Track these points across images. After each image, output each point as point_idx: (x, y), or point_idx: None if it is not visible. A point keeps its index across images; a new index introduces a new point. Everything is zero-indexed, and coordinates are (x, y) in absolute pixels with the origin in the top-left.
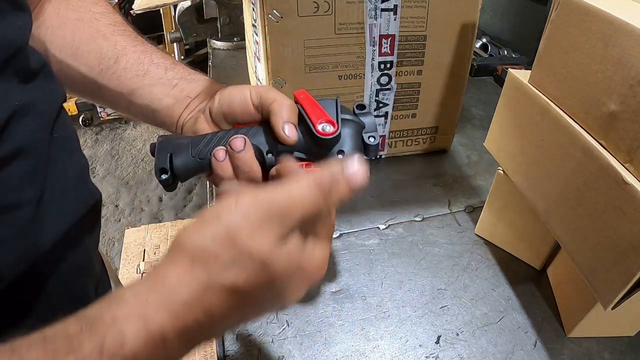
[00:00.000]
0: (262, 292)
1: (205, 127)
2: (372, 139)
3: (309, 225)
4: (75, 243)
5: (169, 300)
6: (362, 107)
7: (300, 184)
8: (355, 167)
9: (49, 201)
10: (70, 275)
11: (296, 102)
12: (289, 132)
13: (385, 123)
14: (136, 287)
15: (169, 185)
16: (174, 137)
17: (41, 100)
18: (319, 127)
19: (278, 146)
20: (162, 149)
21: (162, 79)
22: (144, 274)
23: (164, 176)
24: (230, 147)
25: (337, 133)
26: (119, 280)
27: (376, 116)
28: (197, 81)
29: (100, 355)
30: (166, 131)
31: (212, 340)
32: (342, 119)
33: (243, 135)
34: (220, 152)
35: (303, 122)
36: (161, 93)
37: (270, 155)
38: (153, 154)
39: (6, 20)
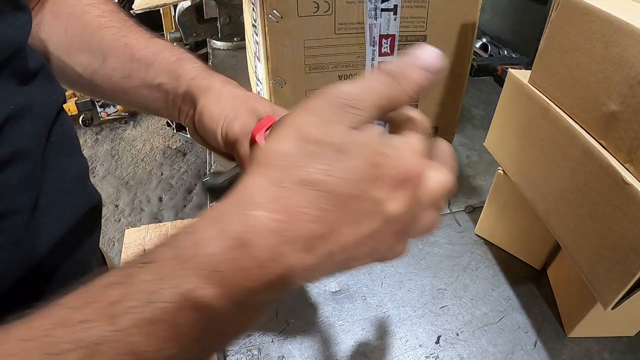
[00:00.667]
0: (345, 189)
1: (198, 139)
2: None
3: (395, 120)
4: (72, 248)
5: (244, 203)
6: None
7: (368, 76)
8: (424, 50)
9: (44, 207)
10: (68, 278)
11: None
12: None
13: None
14: (216, 204)
15: None
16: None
17: (39, 103)
18: (258, 136)
19: None
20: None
21: (145, 80)
22: None
23: None
24: None
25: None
26: None
27: None
28: (179, 78)
29: (177, 260)
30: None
31: (311, 270)
32: None
33: None
34: None
35: None
36: (149, 96)
37: None
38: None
39: (6, 20)
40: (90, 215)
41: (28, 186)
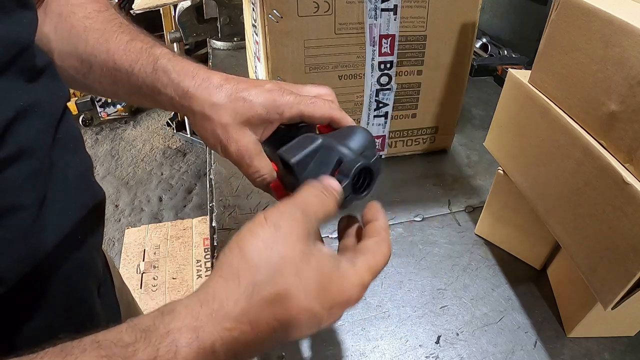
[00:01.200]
0: (300, 309)
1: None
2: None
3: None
4: (77, 243)
5: (218, 314)
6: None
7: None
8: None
9: (51, 203)
10: (73, 274)
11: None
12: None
13: (385, 123)
14: (188, 301)
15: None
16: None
17: (46, 101)
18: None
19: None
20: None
21: (129, 88)
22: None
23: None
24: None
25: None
26: (122, 279)
27: (376, 116)
28: (155, 87)
29: None
30: None
31: (256, 355)
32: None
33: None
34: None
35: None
36: (138, 101)
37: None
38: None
39: (12, 18)
40: (94, 212)
41: (35, 182)
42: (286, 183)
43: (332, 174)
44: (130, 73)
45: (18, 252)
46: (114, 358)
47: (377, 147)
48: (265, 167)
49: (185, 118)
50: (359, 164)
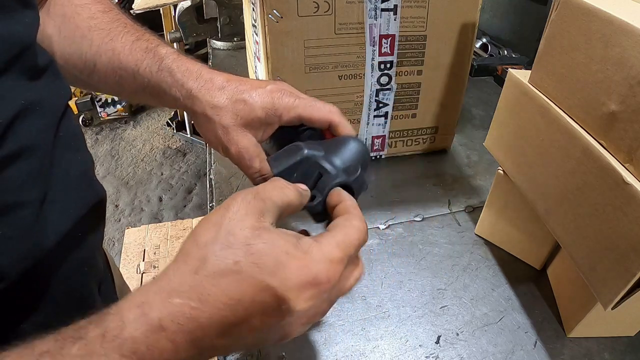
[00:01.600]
0: (254, 282)
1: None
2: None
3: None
4: (78, 241)
5: (165, 289)
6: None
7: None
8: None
9: (52, 200)
10: (73, 272)
11: None
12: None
13: (385, 123)
14: (142, 286)
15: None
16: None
17: (47, 99)
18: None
19: None
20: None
21: (134, 88)
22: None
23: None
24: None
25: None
26: (122, 278)
27: (376, 116)
28: (160, 86)
29: (102, 339)
30: None
31: (222, 350)
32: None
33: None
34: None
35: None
36: (143, 99)
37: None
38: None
39: (15, 17)
40: (95, 210)
41: (37, 180)
42: None
43: (313, 187)
44: (135, 72)
45: (19, 250)
46: (66, 340)
47: (370, 158)
48: (265, 167)
49: (186, 117)
50: (335, 181)
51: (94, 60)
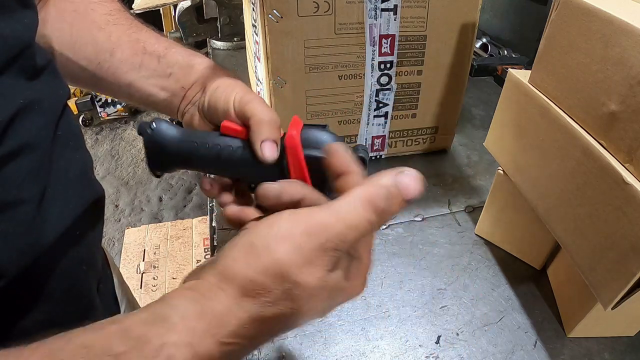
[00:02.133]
0: (304, 316)
1: (200, 124)
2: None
3: (357, 244)
4: (77, 239)
5: (217, 330)
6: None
7: (355, 206)
8: (410, 179)
9: (51, 198)
10: (72, 270)
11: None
12: (268, 152)
13: (385, 123)
14: (182, 309)
15: (160, 176)
16: (160, 140)
17: (46, 98)
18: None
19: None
20: (151, 154)
21: (157, 71)
22: (143, 274)
23: (158, 172)
24: (202, 188)
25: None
26: (122, 276)
27: (376, 116)
28: (192, 67)
29: None
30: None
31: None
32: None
33: (210, 180)
34: (204, 185)
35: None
36: (157, 86)
37: (253, 186)
38: (140, 134)
39: (14, 17)
40: (94, 208)
41: (36, 178)
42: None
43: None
44: (162, 56)
45: (19, 246)
46: None
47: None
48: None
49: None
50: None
51: (112, 47)
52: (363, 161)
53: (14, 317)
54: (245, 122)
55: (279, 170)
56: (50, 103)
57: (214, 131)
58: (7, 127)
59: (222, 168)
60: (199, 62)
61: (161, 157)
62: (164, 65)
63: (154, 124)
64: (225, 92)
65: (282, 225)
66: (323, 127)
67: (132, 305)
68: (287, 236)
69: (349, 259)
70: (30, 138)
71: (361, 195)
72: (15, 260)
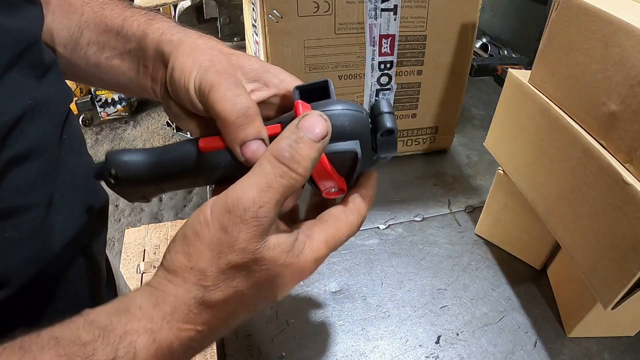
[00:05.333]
0: (253, 298)
1: (177, 111)
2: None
3: (288, 203)
4: (84, 247)
5: (171, 317)
6: (389, 132)
7: (261, 167)
8: (311, 119)
9: (58, 204)
10: (79, 279)
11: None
12: (251, 154)
13: None
14: (140, 301)
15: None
16: (131, 179)
17: (52, 100)
18: (323, 192)
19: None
20: (127, 195)
21: (117, 48)
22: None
23: (142, 201)
24: None
25: (342, 195)
26: (125, 282)
27: None
28: (146, 38)
29: None
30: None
31: (212, 343)
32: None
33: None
34: None
35: None
36: (121, 66)
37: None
38: (106, 178)
39: (21, 13)
40: (99, 215)
41: (44, 183)
42: None
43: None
44: (119, 31)
45: (27, 253)
46: (73, 358)
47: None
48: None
49: None
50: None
51: (81, 29)
52: (391, 132)
53: (21, 326)
54: (208, 109)
55: None
56: (56, 105)
57: (191, 144)
58: (15, 127)
59: (210, 179)
60: (154, 29)
61: (140, 194)
62: (121, 41)
63: (112, 170)
64: (183, 77)
65: (206, 210)
66: (325, 83)
67: None
68: (210, 219)
69: (287, 228)
70: (38, 141)
71: (266, 154)
72: (23, 267)
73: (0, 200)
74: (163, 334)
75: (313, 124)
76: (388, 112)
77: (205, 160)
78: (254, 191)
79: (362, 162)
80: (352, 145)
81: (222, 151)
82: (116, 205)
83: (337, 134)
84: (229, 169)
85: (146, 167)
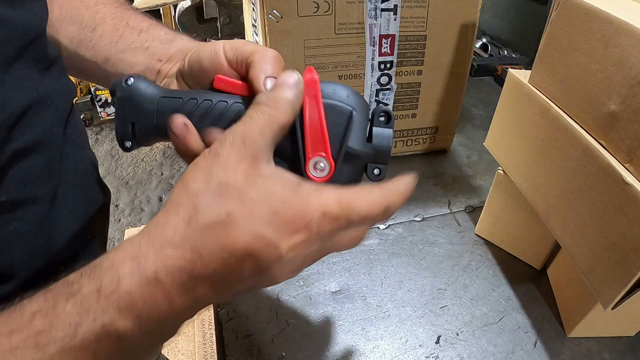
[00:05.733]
0: (246, 223)
1: None
2: (376, 171)
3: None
4: (86, 241)
5: (158, 241)
6: (387, 117)
7: (251, 115)
8: (284, 74)
9: (62, 198)
10: None
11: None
12: (269, 86)
13: None
14: (132, 236)
15: (130, 149)
16: (136, 96)
17: (57, 93)
18: (310, 165)
19: None
20: (122, 115)
21: (134, 43)
22: None
23: (127, 144)
24: (171, 129)
25: (329, 179)
26: None
27: None
28: (172, 42)
29: (98, 295)
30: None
31: (214, 299)
32: (345, 153)
33: (183, 117)
34: (177, 121)
35: (293, 137)
36: (132, 59)
37: None
38: (112, 94)
39: (25, 6)
40: (101, 210)
41: (49, 176)
42: None
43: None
44: (143, 30)
45: (31, 247)
46: (59, 297)
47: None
48: None
49: None
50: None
51: (95, 24)
52: (388, 115)
53: None
54: (242, 72)
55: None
56: (61, 99)
57: (202, 89)
58: (20, 120)
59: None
60: (182, 38)
61: (136, 120)
62: (142, 39)
63: (131, 78)
64: (211, 47)
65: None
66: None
67: None
68: (207, 151)
69: (291, 178)
70: (44, 134)
71: (251, 104)
72: (28, 261)
73: (5, 192)
74: (148, 259)
75: (286, 76)
76: (387, 107)
77: (217, 99)
78: (240, 126)
79: (354, 140)
80: (349, 107)
81: (235, 97)
82: (116, 205)
83: (337, 98)
84: (229, 113)
85: (155, 91)
